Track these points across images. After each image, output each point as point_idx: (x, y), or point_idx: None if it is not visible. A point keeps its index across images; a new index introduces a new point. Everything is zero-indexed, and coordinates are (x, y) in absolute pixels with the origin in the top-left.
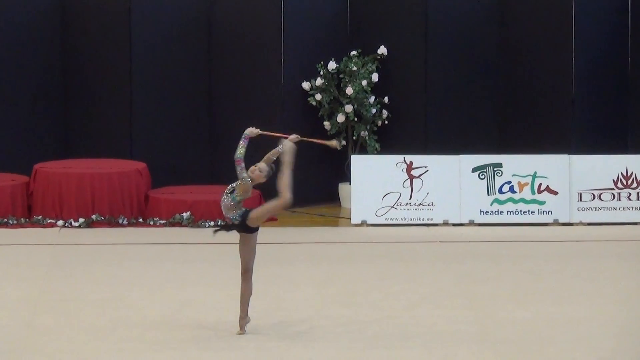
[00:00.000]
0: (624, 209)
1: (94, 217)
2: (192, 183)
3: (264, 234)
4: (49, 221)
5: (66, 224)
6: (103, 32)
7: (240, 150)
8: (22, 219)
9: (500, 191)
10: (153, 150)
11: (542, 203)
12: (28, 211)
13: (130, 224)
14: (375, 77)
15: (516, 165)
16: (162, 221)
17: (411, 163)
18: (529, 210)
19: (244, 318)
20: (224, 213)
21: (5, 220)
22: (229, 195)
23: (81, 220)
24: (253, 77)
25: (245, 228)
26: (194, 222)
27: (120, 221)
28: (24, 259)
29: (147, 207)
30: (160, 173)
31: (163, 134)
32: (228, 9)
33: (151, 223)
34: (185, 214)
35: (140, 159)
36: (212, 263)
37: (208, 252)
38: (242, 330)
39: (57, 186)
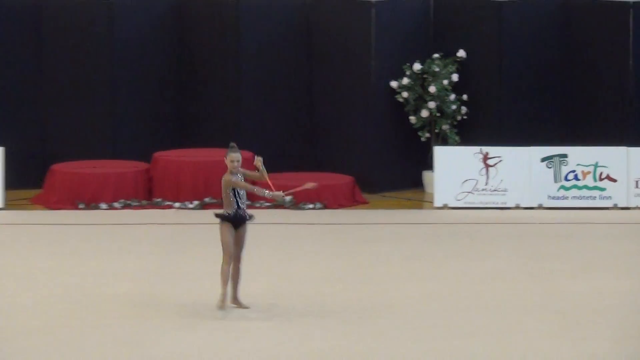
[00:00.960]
0: None
1: (206, 199)
2: (294, 170)
3: (358, 215)
4: (166, 203)
5: (182, 206)
6: (215, 34)
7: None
8: (143, 201)
9: (566, 179)
10: (259, 140)
11: (602, 189)
12: (148, 194)
13: None
14: (455, 77)
15: (580, 156)
16: (266, 204)
17: (487, 153)
18: (591, 196)
19: (235, 300)
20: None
21: (129, 202)
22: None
23: (195, 202)
24: (348, 76)
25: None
26: (295, 205)
27: None
28: (145, 237)
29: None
30: (266, 160)
31: (268, 126)
32: (326, 17)
33: (257, 205)
34: (288, 198)
35: (247, 148)
36: (313, 240)
37: (306, 230)
38: (223, 305)
39: (174, 172)
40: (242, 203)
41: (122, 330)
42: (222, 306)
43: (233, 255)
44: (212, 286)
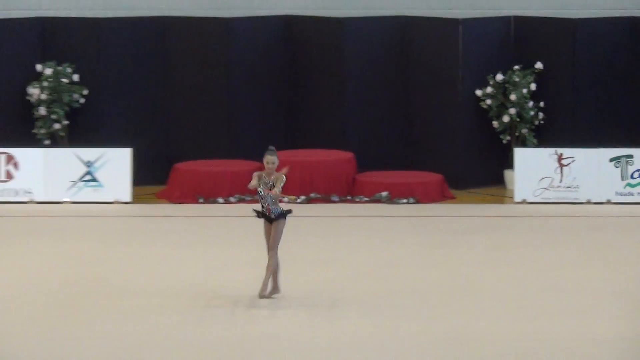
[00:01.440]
0: None
1: (312, 195)
2: (390, 169)
3: (447, 209)
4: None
5: (290, 200)
6: (321, 48)
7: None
8: (254, 196)
9: (632, 177)
10: (360, 142)
11: None
12: None
13: (340, 201)
14: (533, 86)
15: None
16: (365, 199)
17: (561, 154)
18: None
19: (275, 289)
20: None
21: (243, 197)
22: (268, 197)
23: (302, 197)
24: (439, 85)
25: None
26: (390, 200)
27: (333, 198)
28: (258, 228)
29: (354, 188)
30: (365, 161)
31: (368, 129)
32: (419, 33)
33: (357, 200)
34: (384, 193)
35: (350, 149)
36: (407, 231)
37: (401, 222)
38: (262, 294)
39: None
40: (265, 202)
41: (238, 311)
42: (260, 295)
43: (267, 248)
44: (315, 272)
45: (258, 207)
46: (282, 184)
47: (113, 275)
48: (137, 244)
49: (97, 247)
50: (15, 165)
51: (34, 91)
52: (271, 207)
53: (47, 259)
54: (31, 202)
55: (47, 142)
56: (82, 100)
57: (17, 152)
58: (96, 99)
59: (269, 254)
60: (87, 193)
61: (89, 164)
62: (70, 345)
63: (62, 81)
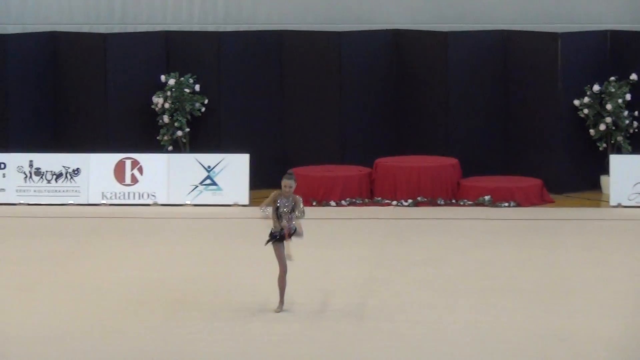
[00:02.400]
0: None
1: (419, 198)
2: (492, 174)
3: (546, 212)
4: (385, 201)
5: (398, 204)
6: (426, 59)
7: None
8: (365, 199)
9: None
10: (463, 148)
11: None
12: (370, 194)
13: (446, 204)
14: (628, 96)
15: None
16: (469, 202)
17: None
18: None
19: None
20: (288, 225)
21: (354, 200)
22: (292, 214)
23: (410, 201)
24: (538, 96)
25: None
26: (493, 203)
27: (439, 202)
28: (367, 229)
29: (458, 192)
30: (469, 166)
31: (471, 137)
32: (520, 46)
33: (461, 204)
34: (487, 197)
35: (454, 156)
36: (509, 233)
37: (503, 225)
38: (278, 309)
39: (392, 176)
40: (282, 221)
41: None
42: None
43: (283, 269)
44: (421, 271)
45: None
46: (302, 207)
47: (230, 274)
48: (253, 244)
49: (215, 248)
50: (140, 170)
51: (158, 100)
52: (290, 230)
53: (169, 259)
54: (155, 204)
55: (170, 148)
56: (203, 109)
57: (142, 157)
58: (216, 107)
59: (283, 271)
60: (207, 196)
61: (209, 168)
62: (189, 339)
63: (184, 91)
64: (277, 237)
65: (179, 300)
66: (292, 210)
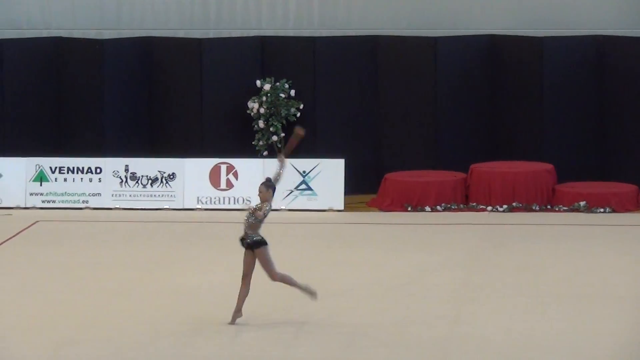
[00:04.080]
0: None
1: (514, 204)
2: (587, 180)
3: (638, 218)
4: (480, 207)
5: (493, 209)
6: (521, 65)
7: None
8: (460, 205)
9: None
10: (558, 154)
11: None
12: (465, 199)
13: (541, 210)
14: None
15: None
16: (564, 208)
17: None
18: None
19: (237, 312)
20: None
21: (449, 205)
22: (251, 217)
23: (505, 206)
24: (633, 101)
25: (252, 246)
26: (588, 209)
27: (534, 207)
28: (462, 234)
29: (553, 197)
30: (563, 172)
31: (565, 143)
32: (614, 54)
33: (556, 209)
34: (582, 203)
35: (548, 161)
36: (603, 240)
37: (598, 230)
38: (233, 321)
39: (487, 181)
40: (244, 226)
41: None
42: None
43: (244, 275)
44: (516, 276)
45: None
46: (267, 209)
47: (323, 277)
48: (349, 249)
49: (310, 253)
50: (236, 174)
51: (253, 105)
52: (248, 232)
53: None
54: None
55: (265, 153)
56: (298, 114)
57: (237, 162)
58: (311, 112)
59: (243, 281)
60: (302, 201)
61: (304, 173)
62: (284, 338)
63: (279, 96)
64: (241, 241)
65: (272, 304)
66: (251, 214)
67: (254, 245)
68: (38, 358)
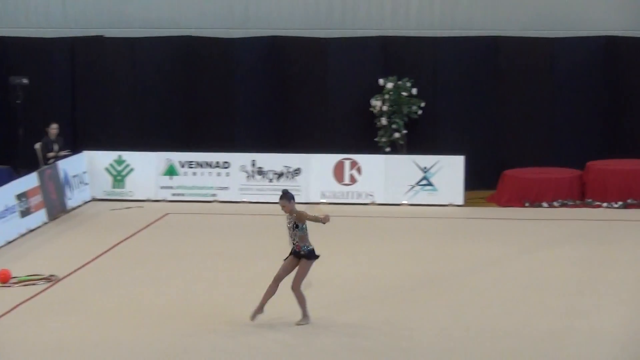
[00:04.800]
0: None
1: (629, 200)
2: None
3: None
4: (596, 203)
5: (608, 206)
6: (638, 63)
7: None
8: (576, 201)
9: None
10: None
11: None
12: (581, 195)
13: None
14: None
15: None
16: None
17: None
18: None
19: (259, 309)
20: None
21: (565, 201)
22: (295, 230)
23: (620, 203)
24: None
25: (306, 256)
26: None
27: None
28: (578, 230)
29: None
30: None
31: None
32: None
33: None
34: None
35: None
36: None
37: None
38: (253, 318)
39: (603, 178)
40: (294, 239)
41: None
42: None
43: (276, 278)
44: (634, 271)
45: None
46: (302, 220)
47: (443, 271)
48: (469, 243)
49: (431, 247)
50: (359, 170)
51: (376, 103)
52: (300, 244)
53: (386, 256)
54: (372, 203)
55: (387, 149)
56: (420, 112)
57: (361, 158)
58: (432, 110)
59: (275, 282)
60: (423, 196)
61: (425, 169)
62: (404, 332)
63: (402, 94)
64: (292, 252)
65: (396, 295)
66: (296, 226)
67: (308, 255)
68: (169, 346)
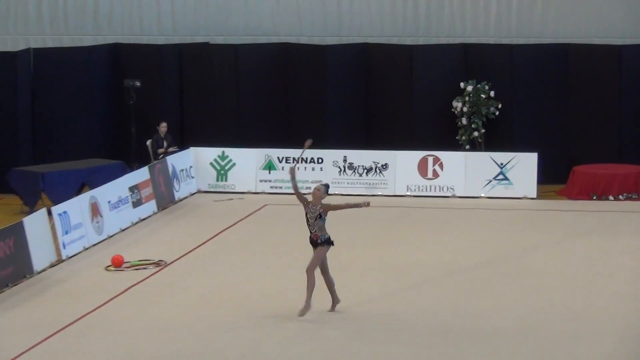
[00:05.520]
0: None
1: None
2: None
3: None
4: None
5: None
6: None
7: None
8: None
9: None
10: None
11: None
12: None
13: None
14: None
15: None
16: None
17: None
18: None
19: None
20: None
21: (630, 195)
22: (318, 220)
23: None
24: None
25: (323, 244)
26: None
27: None
28: None
29: None
30: None
31: None
32: None
33: None
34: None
35: None
36: None
37: None
38: (303, 312)
39: None
40: (313, 229)
41: None
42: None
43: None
44: None
45: None
46: (333, 204)
47: (516, 258)
48: (541, 233)
49: (506, 236)
50: (441, 165)
51: (457, 105)
52: (318, 234)
53: (464, 244)
54: (453, 196)
55: (467, 147)
56: (497, 113)
57: (443, 155)
58: (508, 111)
59: (323, 275)
60: (500, 190)
61: (501, 165)
62: (474, 312)
63: (481, 96)
64: (310, 242)
65: (472, 280)
66: (319, 217)
67: (324, 242)
68: (267, 325)
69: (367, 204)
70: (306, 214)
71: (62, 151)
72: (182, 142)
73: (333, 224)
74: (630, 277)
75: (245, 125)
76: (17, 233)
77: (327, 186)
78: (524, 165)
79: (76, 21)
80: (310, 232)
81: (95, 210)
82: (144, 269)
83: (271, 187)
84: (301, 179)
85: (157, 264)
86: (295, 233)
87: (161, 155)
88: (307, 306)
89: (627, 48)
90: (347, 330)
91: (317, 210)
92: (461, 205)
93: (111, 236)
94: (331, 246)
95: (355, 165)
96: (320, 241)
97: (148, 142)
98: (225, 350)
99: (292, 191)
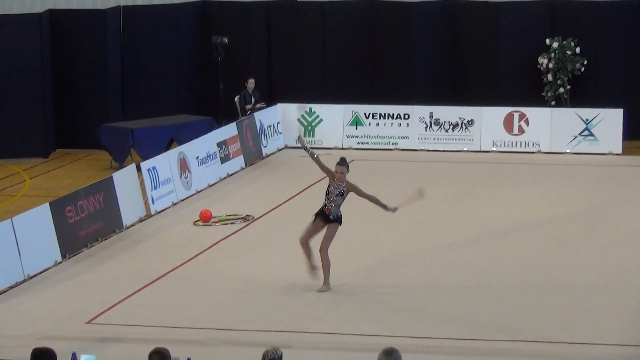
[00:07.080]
0: None
1: None
2: None
3: None
4: None
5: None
6: None
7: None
8: None
9: None
10: None
11: None
12: None
13: None
14: None
15: None
16: None
17: None
18: None
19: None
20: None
21: None
22: (339, 197)
23: None
24: None
25: (335, 221)
26: None
27: None
28: None
29: None
30: None
31: None
32: None
33: None
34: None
35: None
36: None
37: None
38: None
39: None
40: (329, 203)
41: None
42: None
43: (304, 240)
44: None
45: None
46: (364, 192)
47: (601, 213)
48: (625, 189)
49: (590, 191)
50: (527, 121)
51: (543, 61)
52: (332, 209)
53: (550, 199)
54: (539, 152)
55: (553, 103)
56: (583, 69)
57: (528, 111)
58: (594, 68)
59: (303, 246)
60: (585, 146)
61: (587, 121)
62: (558, 266)
63: (566, 53)
64: (319, 213)
65: (557, 235)
66: (341, 194)
67: (337, 220)
68: (358, 275)
69: (394, 210)
70: (329, 186)
71: (151, 107)
72: (269, 98)
73: (415, 178)
74: None
75: (332, 82)
76: (107, 188)
77: (344, 160)
78: (609, 121)
79: None
80: (325, 204)
81: (183, 166)
82: (232, 223)
83: (358, 143)
84: (388, 135)
85: (245, 218)
86: (383, 188)
87: (249, 112)
88: (327, 287)
89: None
90: (437, 279)
91: (341, 187)
92: (546, 161)
93: (199, 191)
94: (339, 225)
95: (441, 121)
96: (333, 217)
97: (236, 99)
98: (305, 310)
99: (378, 147)
